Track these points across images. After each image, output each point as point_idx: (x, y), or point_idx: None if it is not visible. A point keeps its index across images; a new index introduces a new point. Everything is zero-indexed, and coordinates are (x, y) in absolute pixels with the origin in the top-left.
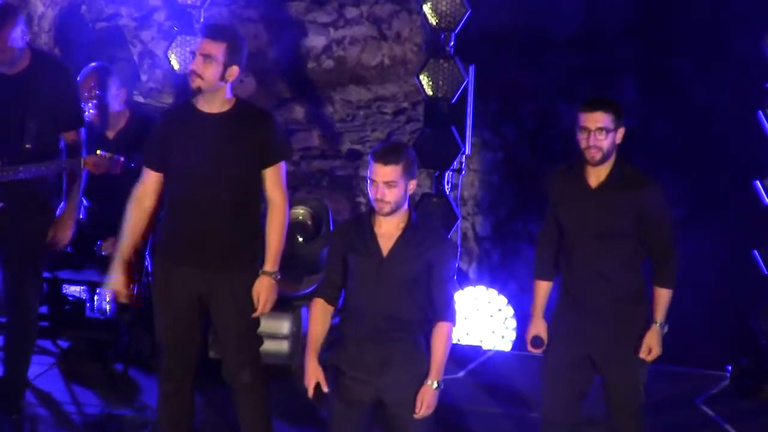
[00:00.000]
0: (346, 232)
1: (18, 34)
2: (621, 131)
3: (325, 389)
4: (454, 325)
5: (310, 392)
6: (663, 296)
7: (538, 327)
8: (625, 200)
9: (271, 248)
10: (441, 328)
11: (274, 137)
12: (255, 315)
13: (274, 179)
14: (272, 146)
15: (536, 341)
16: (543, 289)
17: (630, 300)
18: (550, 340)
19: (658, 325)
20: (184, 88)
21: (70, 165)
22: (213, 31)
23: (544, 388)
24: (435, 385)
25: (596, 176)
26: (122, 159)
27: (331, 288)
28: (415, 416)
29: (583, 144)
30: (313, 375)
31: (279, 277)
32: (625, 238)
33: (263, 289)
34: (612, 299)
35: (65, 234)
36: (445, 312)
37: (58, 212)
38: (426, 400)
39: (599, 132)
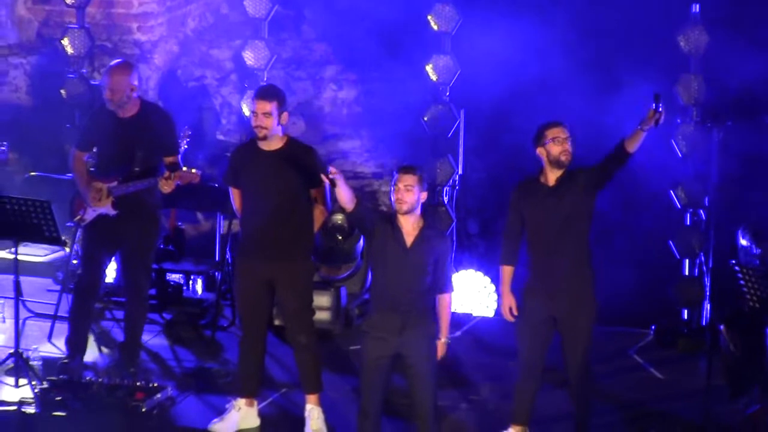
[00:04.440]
0: (385, 220)
1: (132, 84)
2: None
3: (515, 312)
4: (453, 292)
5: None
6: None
7: (511, 301)
8: (575, 186)
9: None
10: (445, 298)
11: (315, 166)
12: None
13: (318, 197)
14: (314, 173)
15: (511, 312)
16: (508, 272)
17: (581, 273)
18: (522, 307)
19: None
20: (251, 129)
21: (161, 180)
22: (265, 94)
23: (520, 342)
24: (444, 340)
25: (553, 178)
26: (200, 173)
27: None
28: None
29: (557, 150)
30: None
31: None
32: (580, 221)
33: None
34: (569, 273)
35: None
36: (447, 286)
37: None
38: (441, 352)
39: (568, 140)
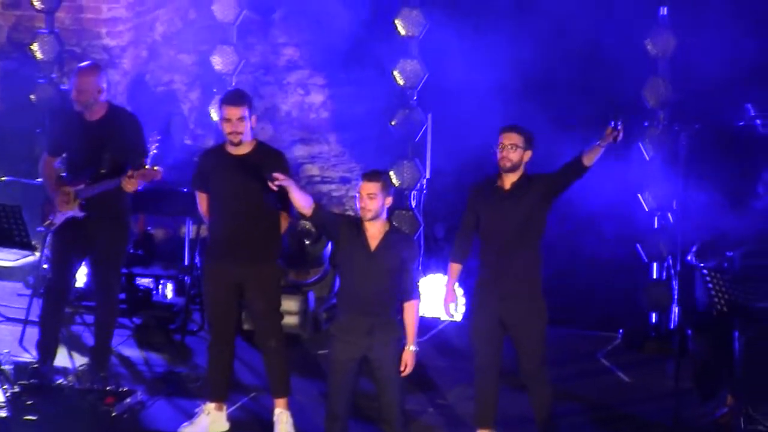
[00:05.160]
0: (350, 224)
1: (99, 86)
2: (528, 153)
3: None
4: (420, 301)
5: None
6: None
7: (452, 297)
8: (532, 191)
9: None
10: (411, 305)
11: (283, 171)
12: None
13: (285, 201)
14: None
15: (452, 308)
16: (456, 270)
17: (531, 278)
18: (473, 308)
19: None
20: (221, 134)
21: (124, 179)
22: (236, 99)
23: (473, 344)
24: (413, 348)
25: (508, 182)
26: (162, 170)
27: None
28: (402, 375)
29: (498, 155)
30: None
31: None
32: (533, 226)
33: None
34: (519, 277)
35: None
36: (413, 293)
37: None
38: (408, 361)
39: (511, 147)
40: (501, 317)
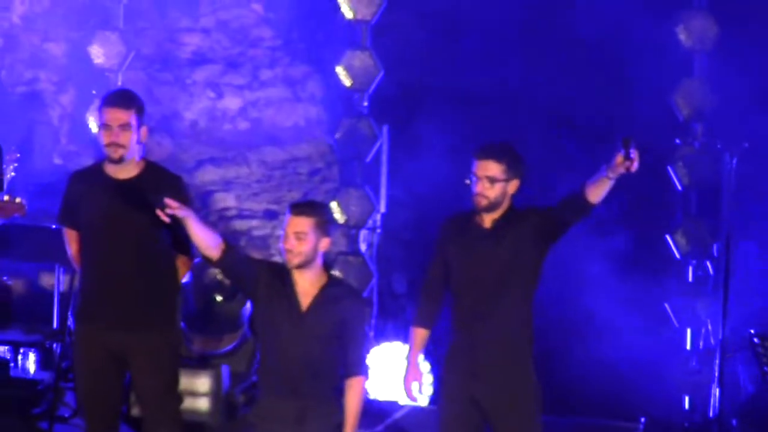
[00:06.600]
0: (274, 274)
1: None
2: (514, 183)
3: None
4: (366, 379)
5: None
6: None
7: (416, 374)
8: (521, 228)
9: None
10: (354, 383)
11: (182, 201)
12: None
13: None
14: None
15: (416, 389)
16: (421, 337)
17: (516, 345)
18: (441, 387)
19: None
20: (102, 151)
21: None
22: (119, 100)
23: None
24: None
25: (489, 218)
26: (26, 204)
27: None
28: None
29: (473, 189)
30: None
31: None
32: (520, 274)
33: None
34: (499, 343)
35: None
36: (357, 367)
37: None
38: None
39: (487, 180)
40: (475, 397)
